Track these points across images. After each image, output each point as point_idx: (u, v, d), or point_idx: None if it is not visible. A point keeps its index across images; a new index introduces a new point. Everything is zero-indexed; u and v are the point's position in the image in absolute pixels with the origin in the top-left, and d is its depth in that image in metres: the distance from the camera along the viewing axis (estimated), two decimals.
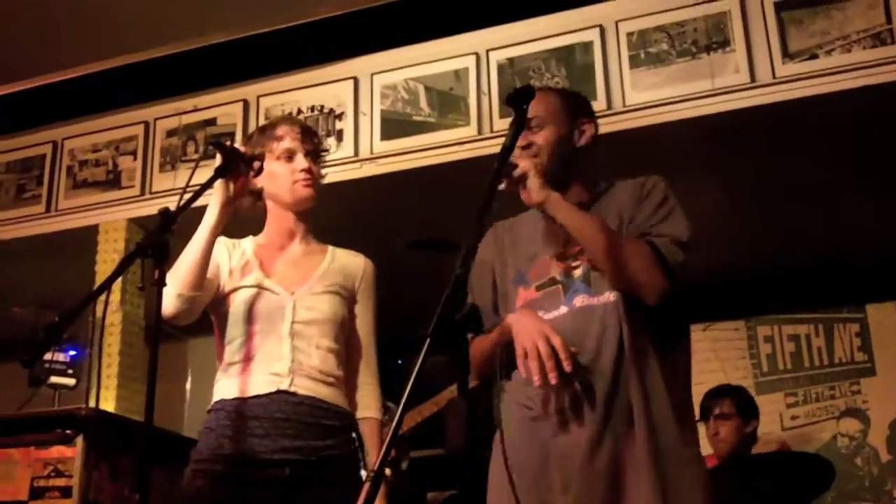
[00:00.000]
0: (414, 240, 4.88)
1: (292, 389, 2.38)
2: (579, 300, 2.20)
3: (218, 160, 2.38)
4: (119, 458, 4.11)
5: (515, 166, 2.18)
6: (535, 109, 2.30)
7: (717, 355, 5.45)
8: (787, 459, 4.13)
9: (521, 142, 2.28)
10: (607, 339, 2.14)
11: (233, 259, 2.53)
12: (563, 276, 2.24)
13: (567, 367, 2.07)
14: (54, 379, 4.60)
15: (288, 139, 2.55)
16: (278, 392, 2.37)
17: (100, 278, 4.67)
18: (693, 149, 4.02)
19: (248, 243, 2.59)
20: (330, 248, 2.63)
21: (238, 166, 2.40)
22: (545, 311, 2.22)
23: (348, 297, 2.55)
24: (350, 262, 2.61)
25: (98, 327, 4.27)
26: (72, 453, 3.99)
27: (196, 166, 2.48)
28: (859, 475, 5.16)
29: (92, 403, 4.26)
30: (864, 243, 4.92)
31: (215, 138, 2.91)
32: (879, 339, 5.31)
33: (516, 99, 2.12)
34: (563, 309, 2.21)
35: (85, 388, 4.55)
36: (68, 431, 4.00)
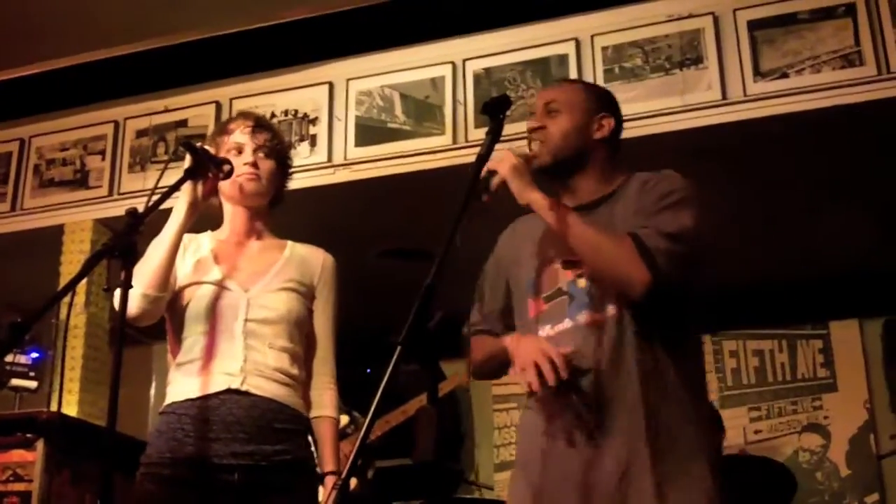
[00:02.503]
0: (384, 249, 4.87)
1: (245, 389, 2.32)
2: (584, 316, 2.15)
3: (188, 161, 2.36)
4: (81, 463, 4.04)
5: (494, 173, 2.14)
6: (553, 95, 2.32)
7: None
8: (751, 464, 4.17)
9: (532, 123, 2.29)
10: (618, 357, 2.10)
11: (188, 255, 2.48)
12: (569, 286, 2.20)
13: (563, 374, 2.03)
14: (15, 381, 4.53)
15: (238, 132, 2.51)
16: (229, 391, 2.32)
17: (64, 279, 4.60)
18: (664, 165, 4.03)
19: (205, 238, 2.54)
20: (289, 243, 2.57)
21: (207, 168, 2.38)
22: (552, 324, 2.19)
23: (306, 294, 2.49)
24: (309, 257, 2.55)
25: (62, 329, 4.21)
26: (32, 457, 3.94)
27: (165, 167, 2.44)
28: (820, 489, 5.22)
29: (54, 407, 4.22)
30: (828, 261, 4.98)
31: (186, 140, 2.86)
32: (841, 355, 5.37)
33: (492, 108, 2.13)
34: (568, 323, 2.17)
35: (47, 391, 4.48)
36: (28, 435, 3.94)
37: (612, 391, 2.09)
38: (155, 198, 2.21)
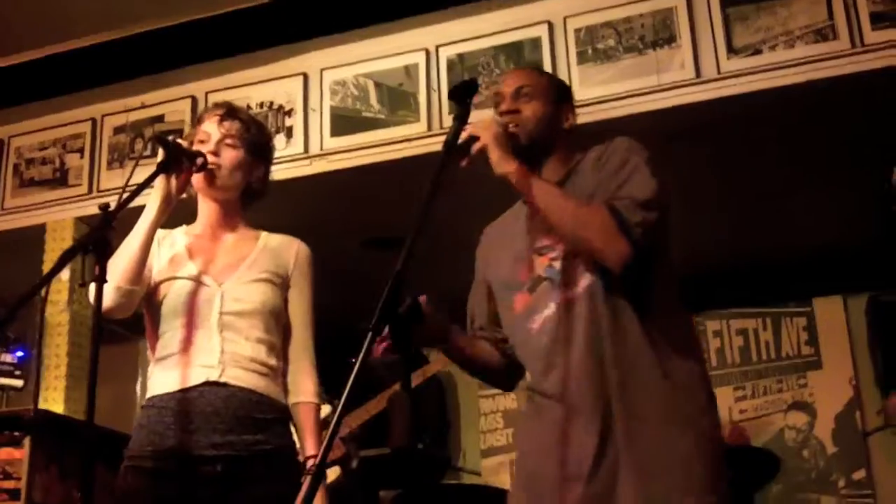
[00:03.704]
0: (367, 238, 4.87)
1: (223, 380, 2.33)
2: (562, 295, 2.15)
3: (160, 156, 2.36)
4: (68, 459, 4.07)
5: (476, 139, 2.12)
6: (523, 79, 2.31)
7: None
8: (731, 454, 4.18)
9: (505, 106, 2.26)
10: (592, 329, 2.09)
11: (162, 250, 2.48)
12: (546, 270, 2.19)
13: None
14: (1, 380, 4.54)
15: (207, 122, 2.49)
16: (208, 383, 2.33)
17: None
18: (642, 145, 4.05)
19: (179, 233, 2.54)
20: (263, 234, 2.56)
21: (181, 162, 2.38)
22: (539, 312, 2.18)
23: (281, 284, 2.48)
24: (282, 247, 2.54)
25: (44, 327, 4.22)
26: (20, 455, 3.96)
27: (136, 164, 2.46)
28: (806, 467, 5.23)
29: (41, 405, 4.24)
30: (810, 238, 4.99)
31: (159, 134, 2.86)
32: (826, 332, 5.39)
33: (459, 93, 2.12)
34: (552, 306, 2.16)
35: (33, 389, 4.49)
36: (15, 433, 3.96)
37: (586, 367, 2.08)
38: (127, 194, 2.22)
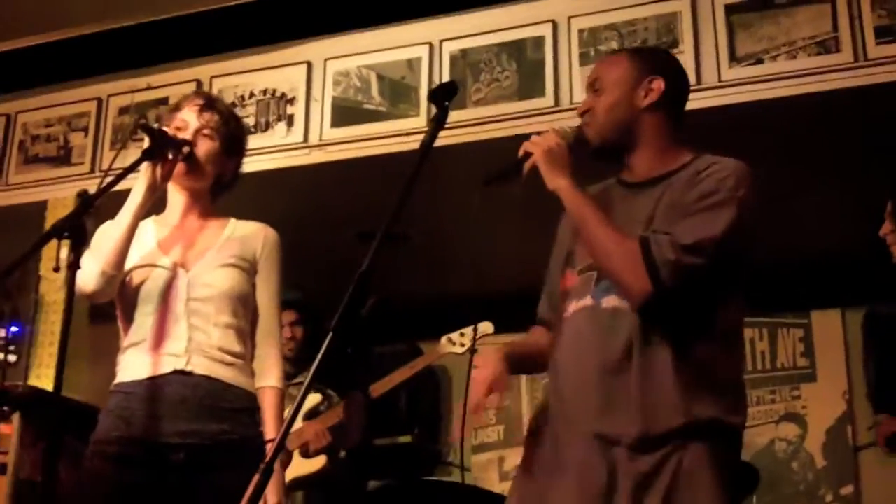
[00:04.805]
0: (364, 230, 4.86)
1: (188, 369, 2.36)
2: (609, 300, 2.08)
3: (146, 143, 2.38)
4: (62, 437, 4.09)
5: (528, 156, 2.11)
6: (596, 74, 2.25)
7: None
8: None
9: (582, 107, 2.22)
10: (633, 348, 2.03)
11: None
12: None
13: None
14: None
15: (186, 110, 2.52)
16: (175, 372, 2.36)
17: (46, 254, 4.63)
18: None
19: (148, 222, 2.56)
20: (231, 220, 2.59)
21: (166, 150, 2.40)
22: (577, 299, 2.14)
23: (249, 269, 2.51)
24: (250, 232, 2.57)
25: (38, 304, 4.26)
26: (8, 430, 3.99)
27: (118, 152, 2.49)
28: (795, 480, 5.19)
29: (32, 382, 4.27)
30: (809, 249, 4.95)
31: (144, 121, 2.89)
32: (822, 345, 5.33)
33: (438, 95, 2.11)
34: (590, 301, 2.11)
35: (25, 365, 4.53)
36: (5, 408, 3.99)
37: (619, 381, 2.03)
38: (108, 179, 2.24)
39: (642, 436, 1.98)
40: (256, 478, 1.57)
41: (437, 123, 2.08)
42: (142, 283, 2.44)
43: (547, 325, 2.34)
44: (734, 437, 2.08)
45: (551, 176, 2.11)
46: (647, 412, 1.99)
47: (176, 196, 2.56)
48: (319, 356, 1.77)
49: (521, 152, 2.13)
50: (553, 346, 2.22)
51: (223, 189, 2.61)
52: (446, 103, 2.09)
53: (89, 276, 2.31)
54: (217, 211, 2.61)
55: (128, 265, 2.46)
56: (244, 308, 2.48)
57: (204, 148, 2.50)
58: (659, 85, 2.20)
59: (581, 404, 2.07)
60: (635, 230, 2.08)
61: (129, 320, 2.46)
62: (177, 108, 2.56)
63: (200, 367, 2.38)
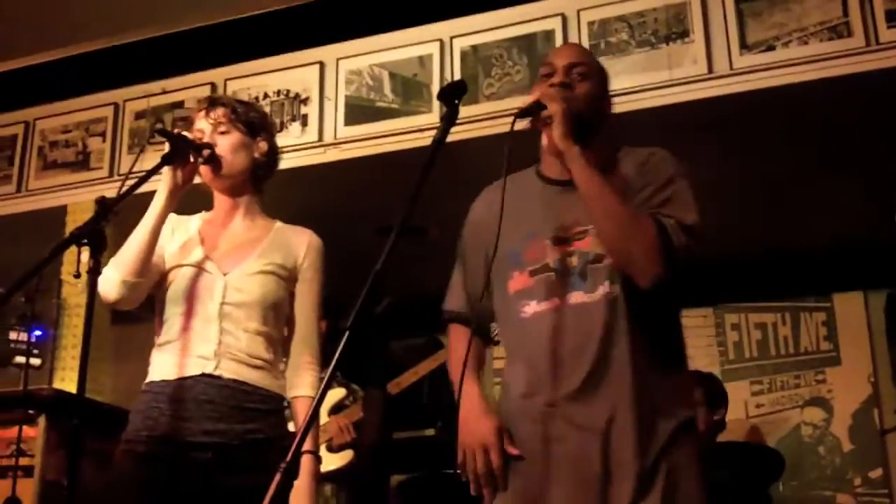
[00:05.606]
0: (383, 225, 4.87)
1: (217, 373, 2.35)
2: (574, 296, 2.08)
3: (166, 147, 2.38)
4: (84, 438, 4.14)
5: (544, 107, 2.08)
6: (578, 56, 2.24)
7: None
8: (742, 450, 4.15)
9: (558, 78, 2.18)
10: (609, 340, 2.04)
11: (175, 237, 2.50)
12: (557, 263, 2.12)
13: (496, 466, 2.06)
14: (19, 359, 4.63)
15: (198, 120, 2.50)
16: (203, 375, 2.36)
17: (66, 259, 4.69)
18: (653, 140, 4.01)
19: (195, 220, 2.55)
20: (276, 224, 2.56)
21: (186, 153, 2.40)
22: (536, 300, 2.12)
23: (288, 277, 2.49)
24: (293, 239, 2.53)
25: (60, 308, 4.31)
26: (34, 433, 4.04)
27: (137, 157, 2.49)
28: (821, 464, 5.18)
29: (56, 385, 4.32)
30: (830, 233, 4.92)
31: (161, 126, 2.88)
32: (845, 328, 5.31)
33: (447, 93, 2.10)
34: (556, 301, 2.09)
35: (49, 368, 4.58)
36: (31, 411, 4.04)
37: (600, 374, 2.04)
38: (128, 186, 2.24)
39: (640, 436, 2.01)
40: (277, 477, 1.57)
41: (448, 121, 2.06)
42: (178, 282, 2.43)
43: (466, 323, 2.32)
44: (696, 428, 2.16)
45: (565, 138, 2.07)
46: (641, 404, 2.02)
47: (219, 198, 2.56)
48: (336, 356, 1.76)
49: (531, 100, 2.08)
50: (512, 347, 2.22)
51: (266, 172, 2.58)
52: (456, 101, 2.08)
53: (111, 285, 2.32)
54: (263, 213, 2.59)
55: (170, 263, 2.46)
56: (276, 316, 2.47)
57: (224, 143, 2.48)
58: (611, 101, 2.28)
59: (570, 400, 2.06)
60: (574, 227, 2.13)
61: (164, 317, 2.45)
62: (190, 123, 2.56)
63: (228, 370, 2.37)
